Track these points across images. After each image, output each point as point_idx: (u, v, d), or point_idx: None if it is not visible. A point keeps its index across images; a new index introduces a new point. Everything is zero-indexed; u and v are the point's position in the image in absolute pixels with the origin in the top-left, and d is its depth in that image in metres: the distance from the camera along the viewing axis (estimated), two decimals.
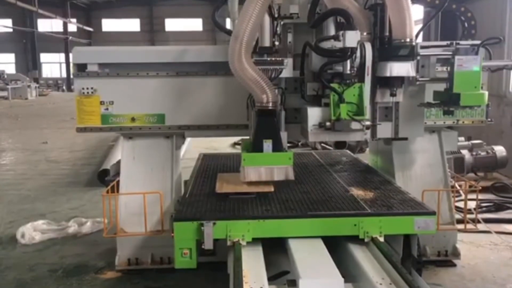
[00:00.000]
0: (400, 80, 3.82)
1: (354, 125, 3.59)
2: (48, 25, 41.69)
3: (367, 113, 3.68)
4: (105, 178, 7.70)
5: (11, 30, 39.60)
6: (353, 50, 3.56)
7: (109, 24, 44.78)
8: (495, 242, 5.26)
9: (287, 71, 3.90)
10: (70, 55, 4.55)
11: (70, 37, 40.43)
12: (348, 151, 6.02)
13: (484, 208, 6.45)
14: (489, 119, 4.56)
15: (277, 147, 3.70)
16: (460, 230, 4.68)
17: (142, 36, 43.84)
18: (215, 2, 4.49)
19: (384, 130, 4.07)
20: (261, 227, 3.40)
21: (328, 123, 3.62)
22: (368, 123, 3.67)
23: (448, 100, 3.78)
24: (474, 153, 7.83)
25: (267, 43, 3.85)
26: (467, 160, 7.65)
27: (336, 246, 3.50)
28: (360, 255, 3.28)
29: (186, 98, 4.40)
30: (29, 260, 5.01)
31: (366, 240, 3.41)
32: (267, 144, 3.67)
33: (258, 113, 3.74)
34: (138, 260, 4.54)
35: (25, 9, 32.11)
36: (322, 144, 10.12)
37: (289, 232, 3.44)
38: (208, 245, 3.32)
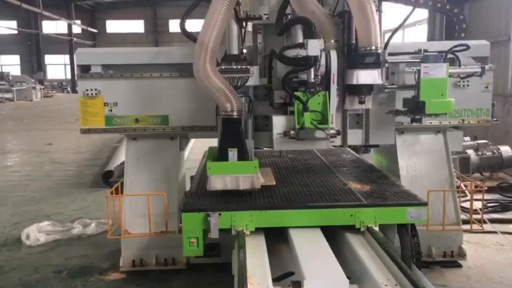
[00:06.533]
0: (368, 88, 3.81)
1: (318, 134, 3.59)
2: (53, 26, 41.87)
3: (332, 122, 3.65)
4: (109, 179, 7.71)
5: (16, 32, 39.78)
6: (316, 58, 3.54)
7: (113, 26, 44.91)
8: (501, 242, 5.24)
9: (254, 79, 3.84)
10: (75, 56, 4.55)
11: (75, 39, 40.55)
12: (348, 149, 6.01)
13: (490, 209, 6.41)
14: (495, 119, 4.54)
15: (243, 155, 3.68)
16: (466, 231, 4.66)
17: (146, 38, 43.92)
18: None
19: (355, 137, 4.13)
20: (264, 217, 3.54)
21: (292, 132, 3.61)
22: (332, 131, 3.63)
23: (415, 108, 3.79)
24: (479, 153, 7.79)
25: (235, 50, 3.83)
26: (473, 160, 7.61)
27: (334, 235, 3.63)
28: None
29: (190, 99, 4.39)
30: (33, 261, 5.02)
31: (362, 229, 3.55)
32: (232, 153, 3.67)
33: (223, 122, 3.70)
34: (142, 262, 4.54)
35: (29, 11, 32.26)
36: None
37: (289, 222, 3.58)
38: (214, 234, 3.44)
